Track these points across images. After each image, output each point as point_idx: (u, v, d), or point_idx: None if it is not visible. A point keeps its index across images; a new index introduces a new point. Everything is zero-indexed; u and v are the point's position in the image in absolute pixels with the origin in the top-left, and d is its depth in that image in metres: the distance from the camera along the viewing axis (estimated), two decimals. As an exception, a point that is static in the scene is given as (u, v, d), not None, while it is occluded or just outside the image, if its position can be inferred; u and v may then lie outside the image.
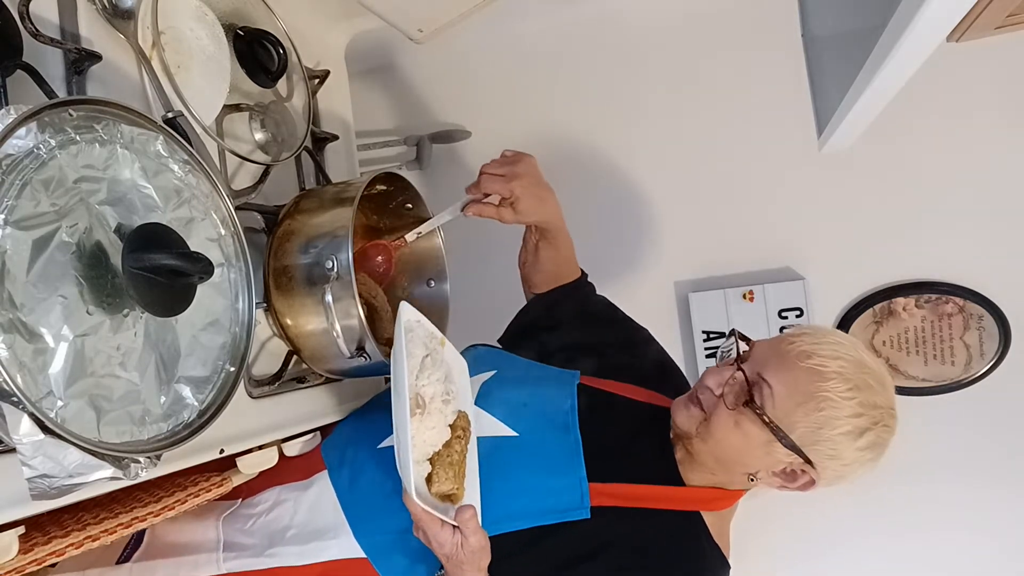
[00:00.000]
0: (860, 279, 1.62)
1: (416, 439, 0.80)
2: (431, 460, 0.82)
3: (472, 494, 0.83)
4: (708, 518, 0.89)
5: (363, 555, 0.90)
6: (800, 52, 1.62)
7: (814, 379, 0.80)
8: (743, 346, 0.88)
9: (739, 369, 0.84)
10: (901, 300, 1.58)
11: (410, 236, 1.02)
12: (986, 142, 1.53)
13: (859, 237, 1.61)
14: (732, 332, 0.90)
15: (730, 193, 1.68)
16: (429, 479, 0.81)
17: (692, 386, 0.92)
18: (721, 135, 1.68)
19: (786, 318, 1.62)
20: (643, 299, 1.72)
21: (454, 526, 0.77)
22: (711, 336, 1.67)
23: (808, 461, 0.82)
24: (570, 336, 1.08)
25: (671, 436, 0.92)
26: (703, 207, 1.70)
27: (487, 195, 0.97)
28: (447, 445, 0.83)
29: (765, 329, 1.63)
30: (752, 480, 0.87)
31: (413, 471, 0.76)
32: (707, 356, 1.67)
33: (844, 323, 1.61)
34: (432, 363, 0.85)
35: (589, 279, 1.15)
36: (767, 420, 0.81)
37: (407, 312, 0.85)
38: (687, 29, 1.70)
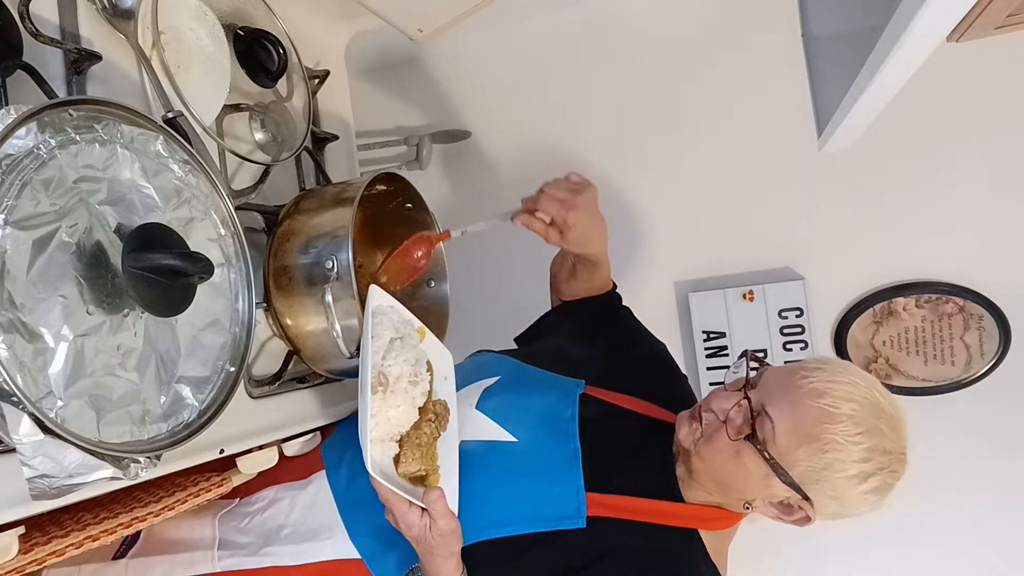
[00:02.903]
0: (860, 279, 1.62)
1: (379, 417, 0.80)
2: (399, 441, 0.82)
3: (447, 481, 0.83)
4: (706, 537, 0.87)
5: (357, 556, 0.90)
6: (800, 52, 1.62)
7: (822, 420, 0.77)
8: (753, 368, 0.86)
9: (745, 397, 0.82)
10: (901, 300, 1.58)
11: (455, 232, 0.99)
12: (986, 142, 1.53)
13: (859, 237, 1.61)
14: (744, 353, 0.87)
15: (730, 193, 1.68)
16: (397, 460, 0.81)
17: (698, 401, 0.91)
18: (721, 134, 1.68)
19: (786, 318, 1.62)
20: (643, 299, 1.71)
21: (422, 508, 0.76)
22: (711, 336, 1.67)
23: (807, 498, 0.80)
24: (585, 346, 1.08)
25: (673, 451, 0.91)
26: (703, 207, 1.70)
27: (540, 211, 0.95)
28: (416, 427, 0.83)
29: (765, 329, 1.63)
30: (748, 508, 0.85)
31: (371, 447, 0.76)
32: (707, 356, 1.67)
33: (844, 323, 1.62)
34: (402, 346, 0.85)
35: (617, 290, 1.14)
36: (767, 456, 0.79)
37: (376, 296, 0.85)
38: (687, 29, 1.70)
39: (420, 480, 0.82)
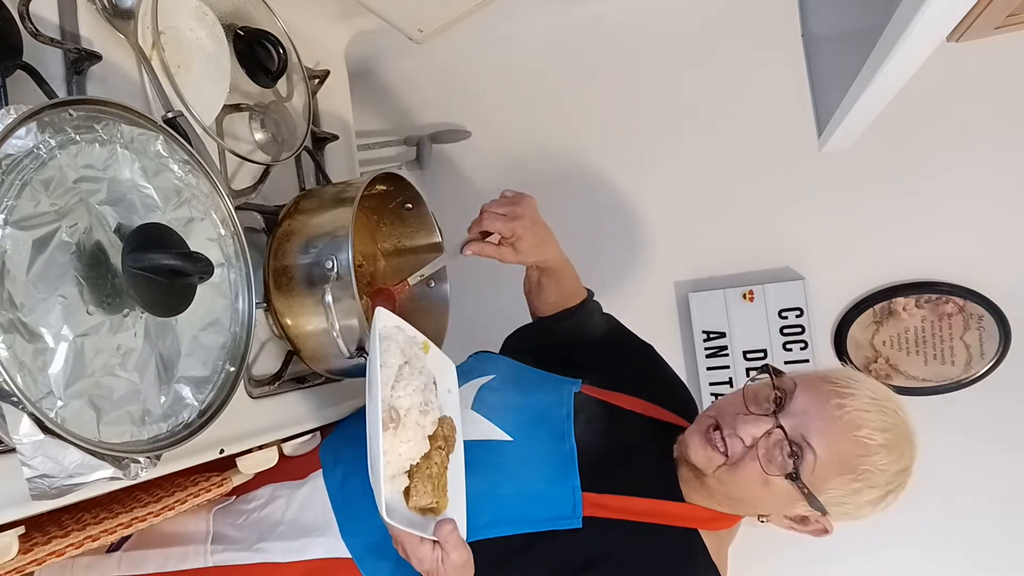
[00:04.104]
0: (860, 279, 1.61)
1: (390, 454, 0.76)
2: (409, 473, 0.79)
3: (456, 506, 0.80)
4: (706, 538, 0.87)
5: (349, 556, 0.89)
6: (800, 52, 1.62)
7: (860, 452, 0.78)
8: (777, 385, 0.83)
9: (778, 425, 0.80)
10: (901, 300, 1.58)
11: (412, 279, 1.00)
12: (986, 142, 1.53)
13: (859, 237, 1.61)
14: (764, 368, 0.85)
15: (730, 193, 1.68)
16: (407, 492, 0.78)
17: (703, 412, 0.89)
18: (721, 135, 1.68)
19: (786, 318, 1.62)
20: (643, 299, 1.73)
21: (434, 541, 0.74)
22: (711, 336, 1.67)
23: (825, 514, 0.82)
24: (571, 351, 1.08)
25: (674, 453, 0.90)
26: (703, 207, 1.70)
27: (487, 234, 0.96)
28: (426, 457, 0.80)
29: (765, 329, 1.63)
30: (763, 520, 0.86)
31: (384, 489, 0.72)
32: (707, 356, 1.67)
33: (844, 323, 1.62)
34: (411, 371, 0.81)
35: (595, 297, 1.13)
36: (803, 489, 0.79)
37: (383, 318, 0.82)
38: (687, 29, 1.70)
39: (429, 508, 0.79)
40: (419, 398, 0.80)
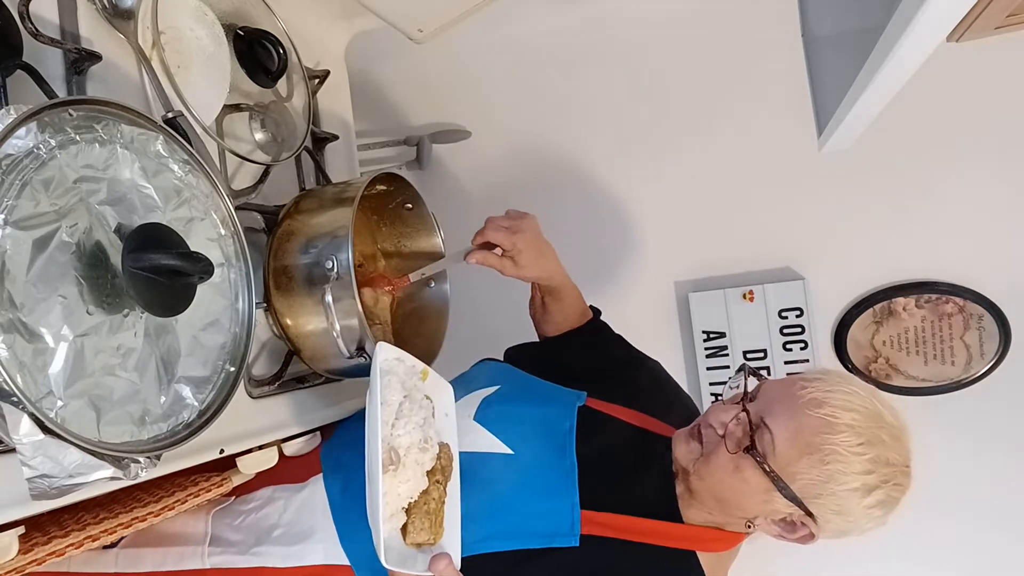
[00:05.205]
0: (860, 279, 1.62)
1: (389, 495, 0.75)
2: (407, 510, 0.78)
3: (451, 536, 0.79)
4: (704, 559, 0.85)
5: (347, 563, 0.88)
6: (800, 52, 1.62)
7: (822, 430, 0.76)
8: (752, 383, 0.84)
9: (744, 410, 0.81)
10: (901, 300, 1.58)
11: (414, 275, 1.02)
12: (986, 142, 1.54)
13: (859, 237, 1.61)
14: (741, 367, 0.86)
15: (730, 193, 1.68)
16: (405, 528, 0.77)
17: (697, 417, 0.90)
18: (721, 135, 1.68)
19: (786, 318, 1.62)
20: (643, 299, 1.72)
21: None
22: (711, 336, 1.67)
23: (809, 514, 0.79)
24: (578, 368, 1.07)
25: (673, 469, 0.89)
26: (703, 207, 1.70)
27: (492, 245, 0.97)
28: (424, 493, 0.79)
29: (765, 329, 1.63)
30: (749, 527, 0.84)
31: (383, 529, 0.71)
32: (707, 356, 1.67)
33: (844, 323, 1.62)
34: (410, 407, 0.81)
35: (597, 302, 1.13)
36: (767, 469, 0.77)
37: (384, 351, 0.80)
38: (687, 29, 1.70)
39: (427, 543, 0.79)
40: (419, 435, 0.80)
